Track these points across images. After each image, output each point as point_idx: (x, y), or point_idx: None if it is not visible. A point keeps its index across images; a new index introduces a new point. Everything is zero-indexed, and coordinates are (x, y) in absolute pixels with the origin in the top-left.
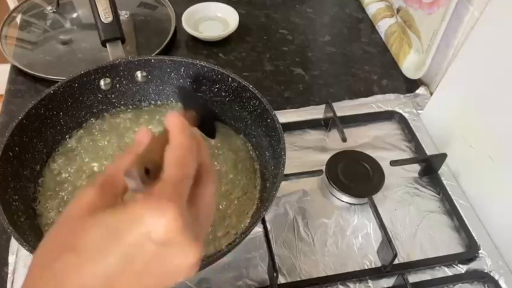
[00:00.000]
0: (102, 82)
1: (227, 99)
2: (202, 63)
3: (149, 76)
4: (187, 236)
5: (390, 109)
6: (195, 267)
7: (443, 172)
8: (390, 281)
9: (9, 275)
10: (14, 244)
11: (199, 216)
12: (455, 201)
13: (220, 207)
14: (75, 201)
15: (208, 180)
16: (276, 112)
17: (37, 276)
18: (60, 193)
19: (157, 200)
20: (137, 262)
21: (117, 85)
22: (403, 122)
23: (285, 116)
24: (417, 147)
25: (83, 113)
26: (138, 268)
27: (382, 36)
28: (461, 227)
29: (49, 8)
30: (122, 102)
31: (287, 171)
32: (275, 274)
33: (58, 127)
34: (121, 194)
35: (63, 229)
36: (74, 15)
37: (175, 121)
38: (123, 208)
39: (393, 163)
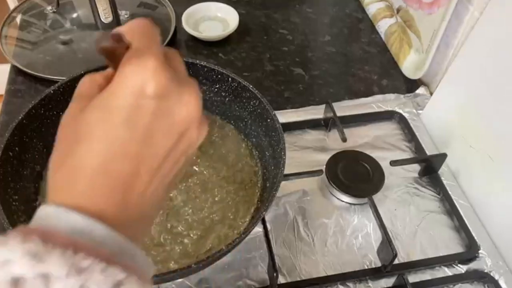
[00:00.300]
0: None
1: (227, 99)
2: (202, 63)
3: None
4: (177, 81)
5: (390, 109)
6: (199, 112)
7: (443, 172)
8: (390, 281)
9: None
10: None
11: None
12: (455, 201)
13: (220, 207)
14: (63, 116)
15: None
16: (276, 112)
17: (52, 180)
18: None
19: (135, 57)
20: (142, 123)
21: None
22: (403, 122)
23: (285, 116)
24: (417, 147)
25: None
26: (145, 130)
27: (382, 36)
28: (461, 227)
29: (49, 8)
30: None
31: (287, 171)
32: (275, 274)
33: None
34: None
35: (64, 134)
36: (74, 15)
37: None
38: (106, 87)
39: (393, 163)
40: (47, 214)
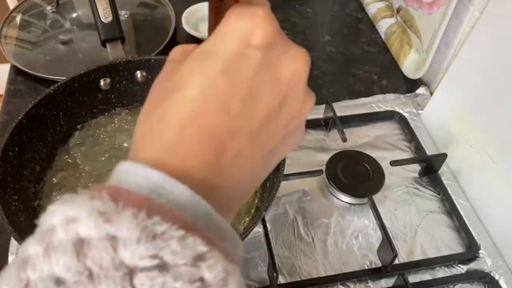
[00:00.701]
0: (102, 82)
1: None
2: None
3: (149, 76)
4: (285, 36)
5: (390, 109)
6: (306, 73)
7: (443, 172)
8: (390, 281)
9: None
10: (14, 244)
11: None
12: (455, 201)
13: None
14: (156, 78)
15: None
16: None
17: (137, 132)
18: (60, 192)
19: (244, 6)
20: (244, 75)
21: (117, 85)
22: (403, 122)
23: None
24: (417, 147)
25: (83, 113)
26: (246, 83)
27: (382, 36)
28: (461, 227)
29: (49, 8)
30: (122, 102)
31: (287, 171)
32: (275, 274)
33: (58, 127)
34: None
35: (156, 88)
36: (74, 15)
37: None
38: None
39: (393, 163)
40: (125, 169)
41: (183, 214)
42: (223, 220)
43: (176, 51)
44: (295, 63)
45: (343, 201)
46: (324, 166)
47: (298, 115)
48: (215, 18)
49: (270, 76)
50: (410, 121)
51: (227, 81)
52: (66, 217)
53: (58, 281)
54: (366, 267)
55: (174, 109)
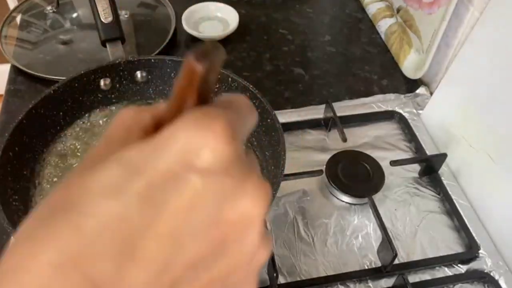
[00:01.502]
0: (102, 82)
1: None
2: None
3: (149, 76)
4: (246, 166)
5: (390, 109)
6: (262, 218)
7: (443, 172)
8: (390, 281)
9: None
10: None
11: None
12: (455, 201)
13: None
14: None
15: None
16: (276, 112)
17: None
18: None
19: (201, 113)
20: (172, 205)
21: (117, 85)
22: (403, 122)
23: (285, 116)
24: (417, 147)
25: (83, 113)
26: (171, 216)
27: (382, 36)
28: (461, 227)
29: (49, 8)
30: (122, 103)
31: (287, 171)
32: (275, 274)
33: (58, 127)
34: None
35: (59, 190)
36: (74, 15)
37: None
38: (156, 135)
39: (393, 163)
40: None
41: None
42: None
43: (124, 119)
44: (247, 203)
45: (343, 201)
46: (324, 166)
47: (245, 266)
48: (179, 98)
49: (208, 213)
50: (410, 121)
51: (143, 214)
52: None
53: None
54: (366, 267)
55: (47, 244)
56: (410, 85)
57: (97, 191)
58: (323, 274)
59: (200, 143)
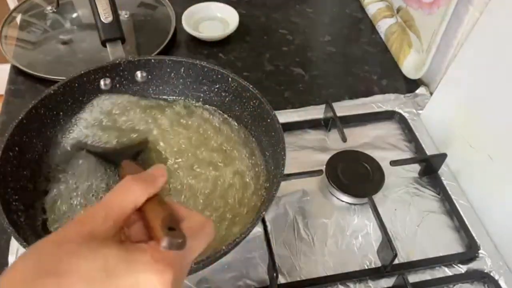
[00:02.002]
0: (102, 82)
1: (227, 99)
2: (202, 63)
3: (149, 76)
4: None
5: (390, 109)
6: None
7: (443, 172)
8: (390, 281)
9: None
10: (14, 244)
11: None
12: (455, 201)
13: (220, 207)
14: (73, 223)
15: None
16: (276, 112)
17: None
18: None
19: (162, 260)
20: None
21: (117, 85)
22: (403, 122)
23: (285, 116)
24: (417, 147)
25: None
26: None
27: (382, 36)
28: (461, 227)
29: (49, 8)
30: None
31: (287, 171)
32: (275, 274)
33: (58, 127)
34: (124, 228)
35: (53, 250)
36: (74, 15)
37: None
38: (133, 250)
39: (393, 163)
40: None
41: None
42: None
43: (71, 232)
44: None
45: (343, 201)
46: (324, 166)
47: None
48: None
49: None
50: (410, 121)
51: None
52: None
53: None
54: (366, 267)
55: None
56: (410, 85)
57: (70, 281)
58: (323, 274)
59: (147, 280)
